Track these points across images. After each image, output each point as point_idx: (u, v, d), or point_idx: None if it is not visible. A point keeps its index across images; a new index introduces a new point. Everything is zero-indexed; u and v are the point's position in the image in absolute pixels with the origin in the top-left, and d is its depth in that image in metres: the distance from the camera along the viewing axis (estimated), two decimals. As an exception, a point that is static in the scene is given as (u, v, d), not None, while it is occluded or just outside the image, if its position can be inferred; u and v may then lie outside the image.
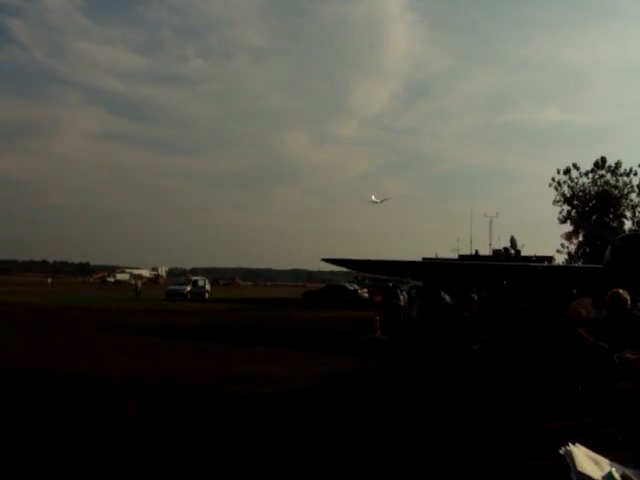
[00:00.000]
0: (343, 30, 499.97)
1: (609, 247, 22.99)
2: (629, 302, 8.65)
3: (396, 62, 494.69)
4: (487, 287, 29.12)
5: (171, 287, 61.00)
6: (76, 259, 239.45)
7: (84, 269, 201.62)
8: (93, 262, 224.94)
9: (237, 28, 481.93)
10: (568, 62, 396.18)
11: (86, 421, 9.21)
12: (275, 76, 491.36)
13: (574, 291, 16.39)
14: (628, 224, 58.38)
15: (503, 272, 31.57)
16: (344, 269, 65.61)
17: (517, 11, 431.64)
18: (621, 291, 8.71)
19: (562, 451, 3.17)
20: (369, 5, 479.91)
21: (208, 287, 62.60)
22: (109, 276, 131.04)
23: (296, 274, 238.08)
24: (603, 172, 60.02)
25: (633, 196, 59.25)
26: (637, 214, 59.14)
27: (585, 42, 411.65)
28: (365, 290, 62.06)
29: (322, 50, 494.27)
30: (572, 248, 60.57)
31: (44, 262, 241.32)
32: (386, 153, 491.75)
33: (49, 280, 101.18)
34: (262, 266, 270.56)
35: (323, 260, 44.40)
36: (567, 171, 60.50)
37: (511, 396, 12.39)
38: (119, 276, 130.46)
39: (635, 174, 58.72)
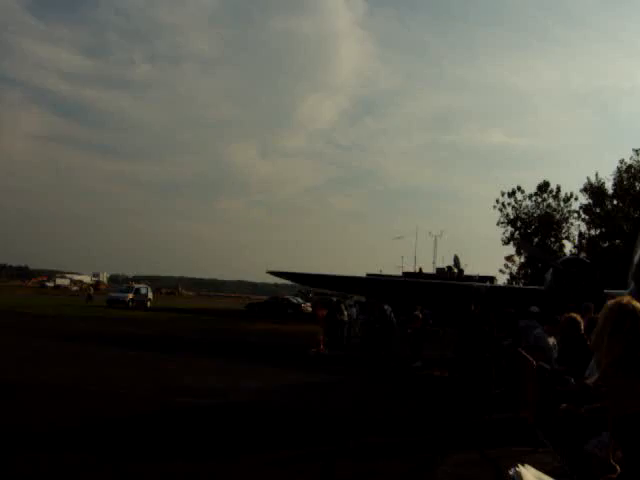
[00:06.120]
0: (292, 44, 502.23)
1: (550, 270, 23.37)
2: (582, 326, 8.76)
3: (344, 78, 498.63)
4: (430, 305, 29.40)
5: (113, 294, 59.95)
6: (14, 262, 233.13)
7: (23, 273, 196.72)
8: (32, 266, 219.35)
9: (186, 35, 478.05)
10: (513, 87, 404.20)
11: (16, 431, 8.87)
12: (223, 86, 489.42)
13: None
14: (569, 246, 59.66)
15: (446, 291, 31.85)
16: (289, 282, 65.49)
17: (465, 35, 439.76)
18: (574, 315, 8.83)
19: (512, 472, 3.15)
20: (319, 20, 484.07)
21: (150, 296, 61.75)
22: (48, 280, 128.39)
23: (241, 285, 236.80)
24: (545, 196, 61.19)
25: (573, 220, 60.56)
26: (578, 238, 60.35)
27: (529, 69, 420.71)
28: (309, 304, 62.05)
29: (271, 63, 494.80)
30: (514, 269, 61.64)
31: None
32: (332, 168, 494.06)
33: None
34: (207, 276, 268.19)
35: (268, 272, 44.25)
36: (512, 193, 61.47)
37: (450, 416, 12.46)
38: (59, 281, 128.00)
39: (576, 199, 60.04)
